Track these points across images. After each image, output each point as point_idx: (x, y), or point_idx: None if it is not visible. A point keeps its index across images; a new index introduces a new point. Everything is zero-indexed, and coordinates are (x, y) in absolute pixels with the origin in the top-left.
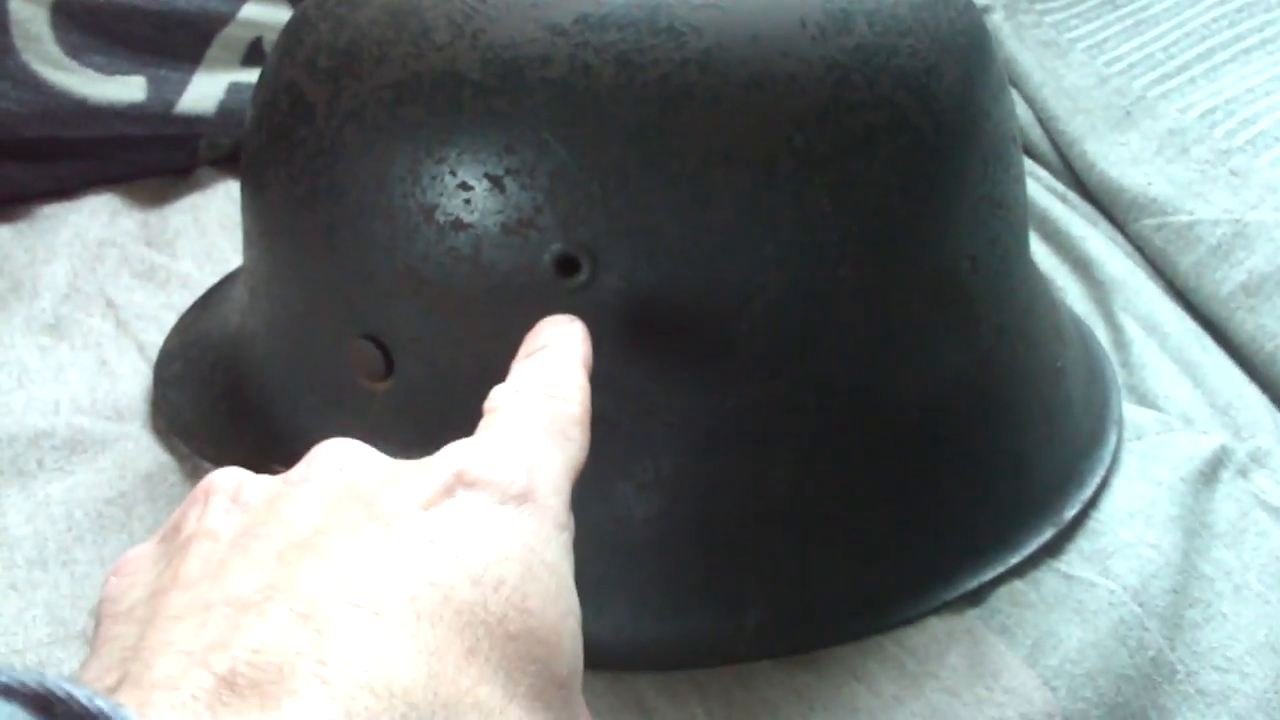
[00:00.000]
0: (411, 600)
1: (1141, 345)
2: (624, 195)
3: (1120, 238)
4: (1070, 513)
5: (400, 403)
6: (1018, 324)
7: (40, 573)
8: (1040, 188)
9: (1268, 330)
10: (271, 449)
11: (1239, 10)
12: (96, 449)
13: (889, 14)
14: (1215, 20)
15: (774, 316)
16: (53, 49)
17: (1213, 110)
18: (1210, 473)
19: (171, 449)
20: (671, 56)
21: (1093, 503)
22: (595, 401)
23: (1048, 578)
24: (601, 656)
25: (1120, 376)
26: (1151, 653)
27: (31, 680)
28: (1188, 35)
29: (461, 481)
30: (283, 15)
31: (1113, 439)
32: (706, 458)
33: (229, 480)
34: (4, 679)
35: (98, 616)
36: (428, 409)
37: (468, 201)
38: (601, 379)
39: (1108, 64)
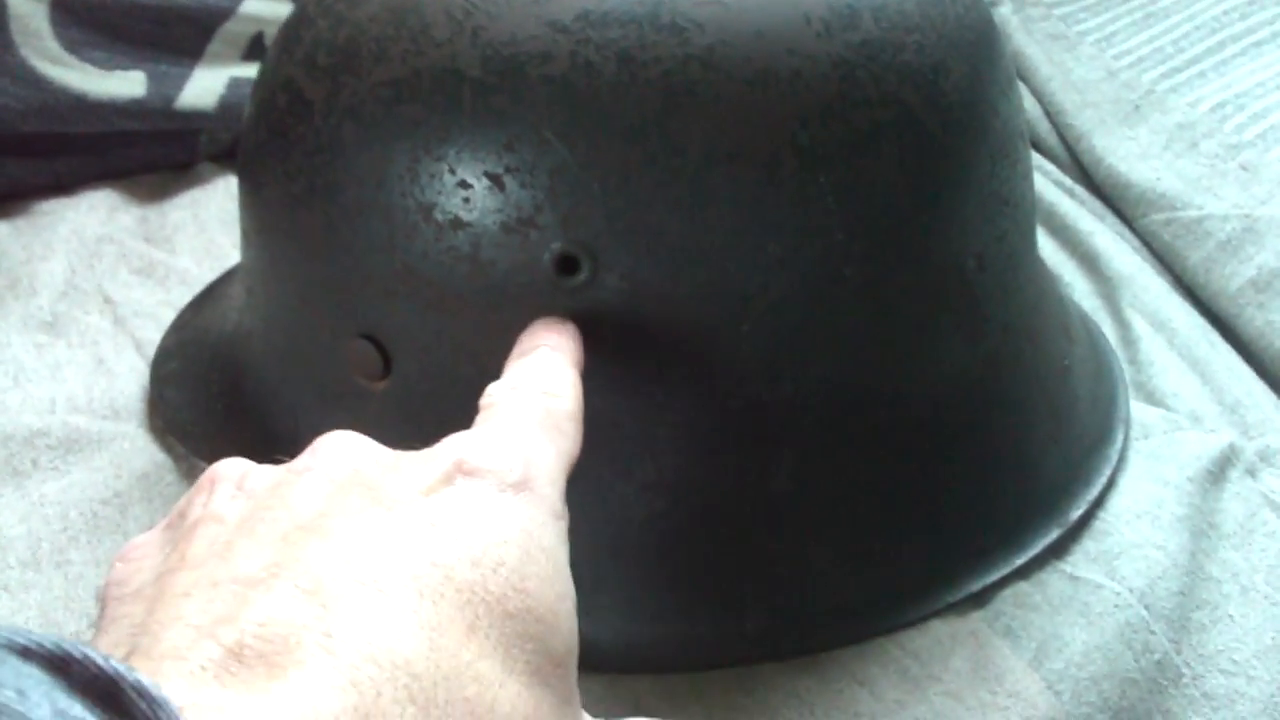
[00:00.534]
0: (414, 579)
1: (1149, 342)
2: (625, 194)
3: (1128, 233)
4: (1076, 513)
5: (398, 402)
6: (1024, 322)
7: (34, 574)
8: (1048, 182)
9: (1276, 327)
10: (268, 448)
11: (1250, 3)
12: (92, 448)
13: (895, 9)
14: (1226, 13)
15: (777, 316)
16: (52, 44)
17: (1223, 104)
18: (1218, 472)
19: (168, 448)
20: (674, 53)
21: (1099, 503)
22: (596, 401)
23: (1053, 579)
24: (600, 658)
25: (1128, 374)
26: (1157, 656)
27: (49, 642)
28: (1198, 28)
29: (461, 470)
30: (284, 10)
31: (1120, 438)
32: (708, 458)
33: (234, 469)
34: (22, 640)
35: (103, 600)
36: (425, 408)
37: (467, 200)
38: (602, 379)
39: (1116, 57)
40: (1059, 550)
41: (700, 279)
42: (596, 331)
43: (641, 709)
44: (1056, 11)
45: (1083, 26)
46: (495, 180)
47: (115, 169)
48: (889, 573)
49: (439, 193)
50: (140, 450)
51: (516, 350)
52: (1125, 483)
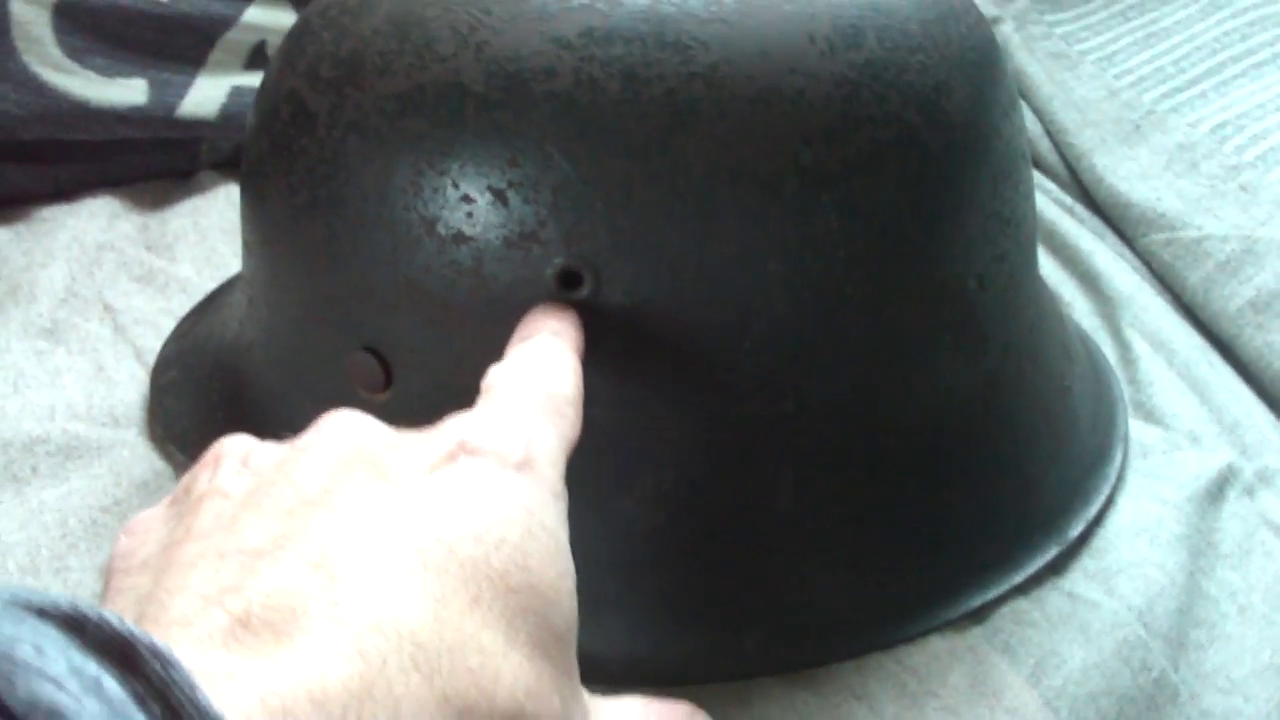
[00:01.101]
0: (418, 552)
1: (1149, 362)
2: (628, 210)
3: (1128, 252)
4: (1075, 531)
5: (399, 415)
6: (1025, 342)
7: (33, 581)
8: (1048, 201)
9: (1276, 348)
10: None
11: (1250, 24)
12: (92, 456)
13: (899, 29)
14: (1226, 34)
15: (778, 334)
16: (54, 51)
17: (1223, 125)
18: (1216, 492)
19: (167, 457)
20: (678, 71)
21: (1098, 521)
22: (596, 416)
23: (1052, 596)
24: (599, 671)
25: (1127, 393)
26: (1155, 674)
27: (64, 602)
28: (1199, 49)
29: (464, 449)
30: (286, 19)
31: (1119, 457)
32: (708, 474)
33: (239, 446)
34: (38, 601)
35: (108, 573)
36: (426, 421)
37: (470, 214)
38: (603, 393)
39: (1118, 77)
40: (1058, 568)
41: (702, 296)
42: (598, 347)
43: None
44: (1058, 30)
45: (1084, 46)
46: (498, 195)
47: (116, 176)
48: (888, 588)
49: (442, 207)
50: (140, 458)
51: (518, 335)
52: (1124, 501)
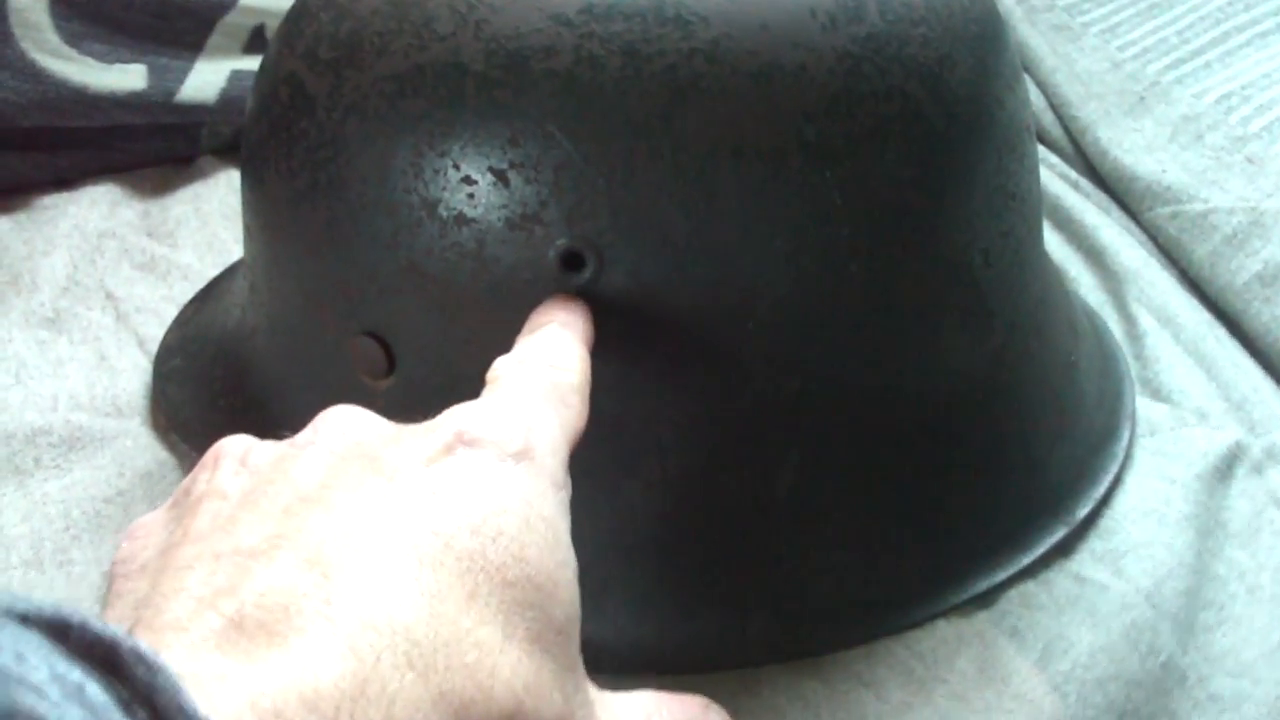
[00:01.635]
0: (414, 547)
1: (1155, 338)
2: (630, 189)
3: (1134, 226)
4: (1083, 511)
5: (402, 400)
6: (1031, 319)
7: (36, 573)
8: (1053, 175)
9: None
10: None
11: None
12: (95, 446)
13: (901, 2)
14: (1230, 3)
15: (782, 313)
16: (52, 37)
17: (1228, 96)
18: (1225, 469)
19: (171, 446)
20: (679, 47)
21: (1105, 501)
22: (601, 399)
23: (1059, 579)
24: (603, 659)
25: (1134, 369)
26: (1163, 657)
27: (47, 608)
28: (1203, 19)
29: (462, 440)
30: (284, 2)
31: (1126, 435)
32: (713, 457)
33: (237, 445)
34: (21, 607)
35: (110, 578)
36: (430, 407)
37: (471, 196)
38: (607, 376)
39: (1121, 48)
40: (1065, 549)
41: (706, 275)
42: (602, 330)
43: None
44: (1061, 2)
45: (1087, 18)
46: (500, 176)
47: (116, 163)
48: (894, 573)
49: (443, 188)
50: (143, 448)
51: (527, 326)
52: (1131, 480)
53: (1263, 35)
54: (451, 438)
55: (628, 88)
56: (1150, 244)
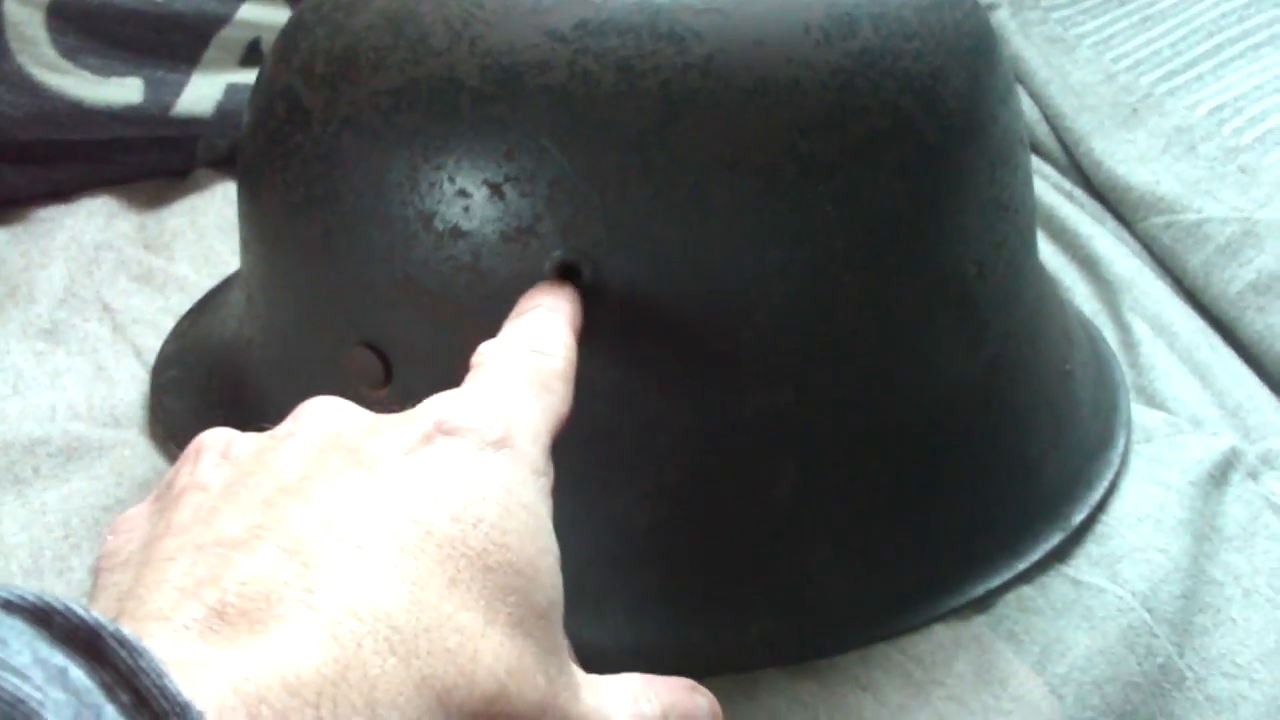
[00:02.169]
0: (394, 535)
1: (1150, 346)
2: (624, 203)
3: (1128, 236)
4: (1079, 517)
5: (398, 411)
6: (1025, 328)
7: (36, 582)
8: (1047, 186)
9: (1277, 330)
10: None
11: (1247, 6)
12: (93, 456)
13: (894, 17)
14: (1224, 16)
15: (777, 324)
16: (48, 51)
17: (1221, 107)
18: (1220, 475)
19: (168, 456)
20: (673, 62)
21: (1101, 506)
22: (596, 409)
23: (1056, 583)
24: (602, 665)
25: (1129, 377)
26: (1160, 659)
27: (31, 595)
28: (1195, 31)
29: (441, 429)
30: (281, 16)
31: (1121, 441)
32: (709, 466)
33: (219, 438)
34: (4, 594)
35: (95, 572)
36: None
37: (466, 209)
38: (603, 387)
39: (1114, 60)
40: (1061, 554)
41: (700, 287)
42: (597, 340)
43: None
44: (1054, 15)
45: (1081, 29)
46: (495, 189)
47: (113, 176)
48: (891, 578)
49: (438, 201)
50: (141, 458)
51: (514, 311)
52: (1127, 486)
53: (1255, 48)
54: (430, 427)
55: (622, 102)
56: (1144, 254)
